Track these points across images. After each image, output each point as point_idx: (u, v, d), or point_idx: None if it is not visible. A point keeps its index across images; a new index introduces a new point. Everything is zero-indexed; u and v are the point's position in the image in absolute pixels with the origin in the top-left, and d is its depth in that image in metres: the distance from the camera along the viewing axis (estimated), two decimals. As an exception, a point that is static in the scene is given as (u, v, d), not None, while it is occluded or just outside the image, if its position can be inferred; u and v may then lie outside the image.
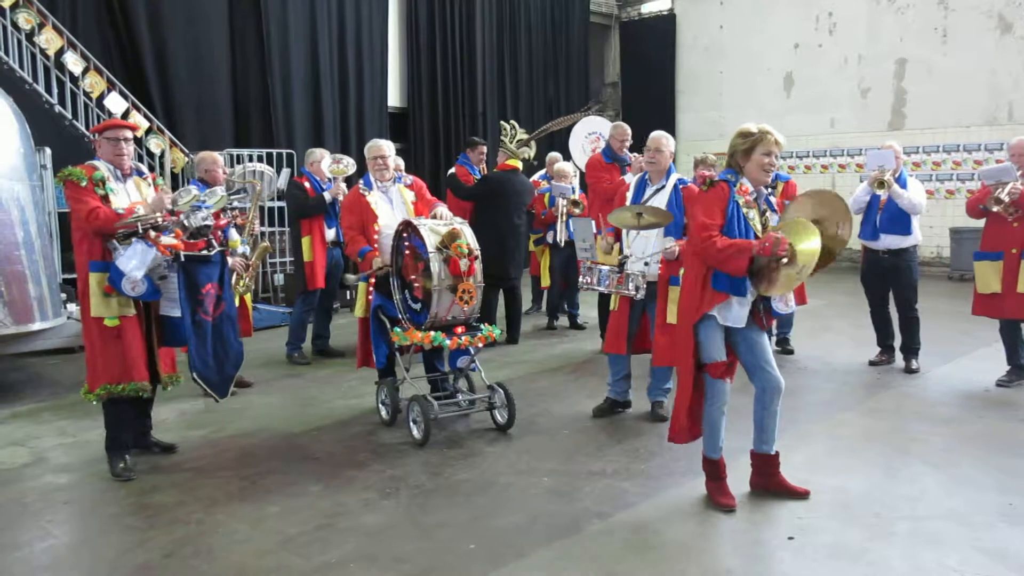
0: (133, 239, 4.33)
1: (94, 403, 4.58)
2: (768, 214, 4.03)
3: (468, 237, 5.08)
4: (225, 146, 10.38)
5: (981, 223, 6.29)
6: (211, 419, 5.62)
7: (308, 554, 3.61)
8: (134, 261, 4.28)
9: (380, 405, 5.55)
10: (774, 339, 7.02)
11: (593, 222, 5.88)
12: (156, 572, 3.49)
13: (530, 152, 7.79)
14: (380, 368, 5.58)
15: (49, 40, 8.99)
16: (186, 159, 9.82)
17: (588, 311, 8.41)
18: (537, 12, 15.15)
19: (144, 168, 4.91)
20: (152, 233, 4.38)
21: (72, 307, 6.84)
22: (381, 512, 4.04)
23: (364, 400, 5.98)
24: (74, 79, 9.21)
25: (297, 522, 3.94)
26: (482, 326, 5.23)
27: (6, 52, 8.72)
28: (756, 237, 3.87)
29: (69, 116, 9.14)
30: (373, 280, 5.49)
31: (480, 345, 5.18)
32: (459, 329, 5.11)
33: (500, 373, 6.52)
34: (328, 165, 7.18)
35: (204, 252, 4.59)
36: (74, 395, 4.70)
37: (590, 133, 9.35)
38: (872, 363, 6.84)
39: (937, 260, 13.05)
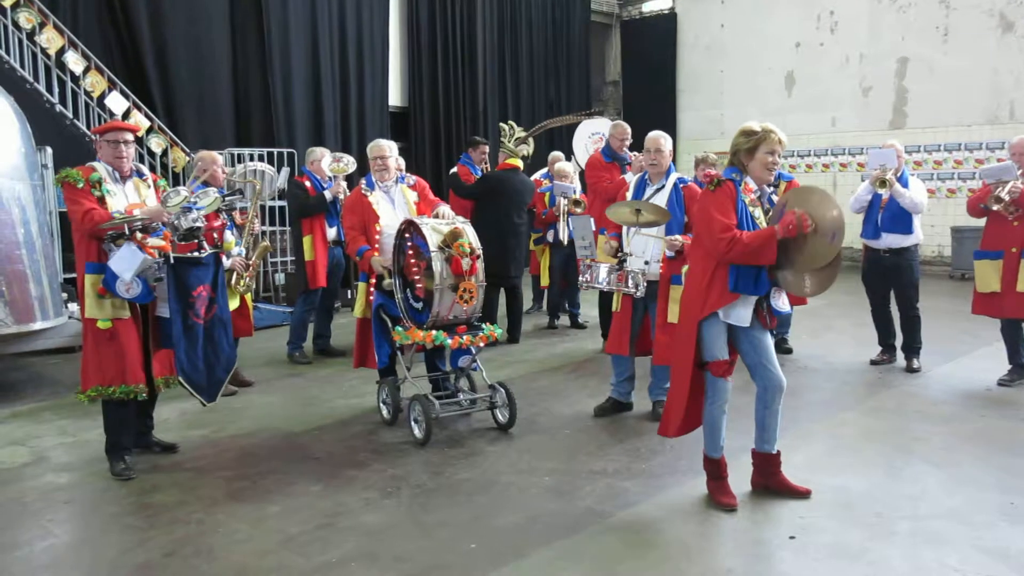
0: (124, 241, 4.33)
1: (86, 403, 4.57)
2: (772, 211, 4.03)
3: (470, 236, 5.07)
4: (226, 145, 10.39)
5: (982, 222, 6.29)
6: (212, 419, 5.62)
7: (309, 553, 3.61)
8: (124, 263, 4.27)
9: (381, 404, 5.55)
10: (772, 340, 7.01)
11: (592, 220, 5.88)
12: (157, 571, 3.49)
13: (528, 150, 7.79)
14: (381, 367, 5.58)
15: (50, 39, 8.99)
16: (187, 158, 9.82)
17: (589, 310, 8.40)
18: (538, 11, 15.15)
19: (145, 169, 4.90)
20: (139, 235, 4.36)
21: (73, 307, 6.85)
22: (382, 511, 4.04)
23: (365, 399, 5.97)
24: (75, 78, 9.22)
25: (298, 521, 3.93)
26: (483, 325, 5.23)
27: (7, 51, 8.73)
28: None
29: (70, 116, 9.15)
30: (374, 280, 5.49)
31: (481, 344, 5.18)
32: (461, 328, 5.11)
33: (501, 372, 6.52)
34: (329, 164, 7.18)
35: (194, 254, 4.56)
36: (74, 395, 4.70)
37: (593, 133, 9.35)
38: (873, 362, 6.84)
39: (938, 259, 13.04)
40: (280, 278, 10.19)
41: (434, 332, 5.01)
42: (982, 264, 6.19)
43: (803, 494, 4.10)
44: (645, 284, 5.10)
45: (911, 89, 13.39)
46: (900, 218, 6.40)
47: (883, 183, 6.30)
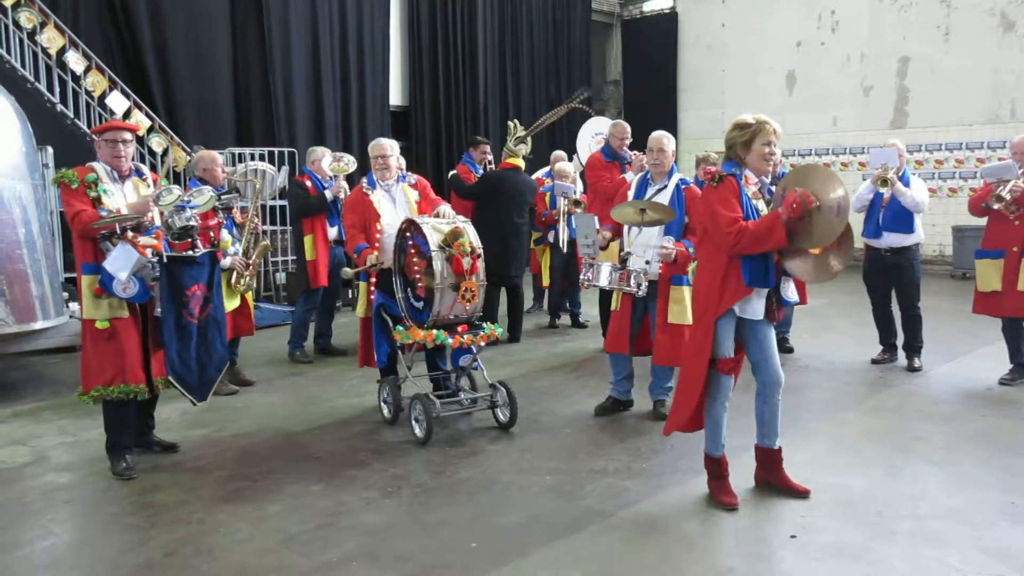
0: (118, 241, 4.32)
1: (89, 404, 4.58)
2: (773, 199, 4.03)
3: (471, 235, 5.07)
4: (227, 144, 10.40)
5: (983, 221, 6.29)
6: (213, 418, 5.62)
7: (309, 553, 3.61)
8: (118, 263, 4.27)
9: (382, 404, 5.55)
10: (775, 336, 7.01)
11: (596, 218, 5.87)
12: (157, 571, 3.49)
13: (526, 149, 7.78)
14: (382, 367, 5.59)
15: (51, 39, 9.00)
16: (188, 158, 9.82)
17: (590, 309, 8.40)
18: (539, 10, 15.14)
19: (145, 169, 4.90)
20: (130, 233, 4.35)
21: (74, 306, 6.85)
22: (383, 511, 4.04)
23: (366, 399, 5.97)
24: (76, 78, 9.23)
25: (298, 521, 3.93)
26: (484, 325, 5.23)
27: (8, 51, 8.73)
28: None
29: (71, 115, 9.15)
30: (374, 279, 5.49)
31: (482, 344, 5.17)
32: (461, 328, 5.11)
33: (502, 372, 6.52)
34: (329, 163, 7.18)
35: (188, 253, 4.55)
36: (75, 394, 4.70)
37: (596, 134, 9.33)
38: (874, 361, 6.83)
39: (939, 258, 13.04)
40: (281, 277, 10.19)
41: (435, 331, 5.01)
42: (983, 263, 6.19)
43: (802, 493, 4.10)
44: (647, 283, 5.09)
45: (912, 88, 13.38)
46: (901, 217, 6.40)
47: (884, 182, 6.30)
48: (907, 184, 6.38)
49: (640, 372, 5.64)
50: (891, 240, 6.49)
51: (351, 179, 7.45)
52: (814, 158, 14.40)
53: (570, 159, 9.15)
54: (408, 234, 5.21)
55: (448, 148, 13.48)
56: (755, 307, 3.96)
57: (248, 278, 6.12)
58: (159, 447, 4.94)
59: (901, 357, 6.77)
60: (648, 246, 5.19)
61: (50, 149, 7.96)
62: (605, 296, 6.38)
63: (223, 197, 5.76)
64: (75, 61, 9.18)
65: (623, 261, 5.14)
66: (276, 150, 10.34)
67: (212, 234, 5.58)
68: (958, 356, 7.02)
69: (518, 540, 3.70)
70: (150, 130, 9.68)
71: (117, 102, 9.39)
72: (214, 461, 4.80)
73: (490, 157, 8.52)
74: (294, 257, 9.04)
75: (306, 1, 11.68)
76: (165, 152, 9.77)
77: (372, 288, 5.53)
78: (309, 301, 7.39)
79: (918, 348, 6.66)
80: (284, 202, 9.61)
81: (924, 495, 4.14)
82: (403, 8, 13.18)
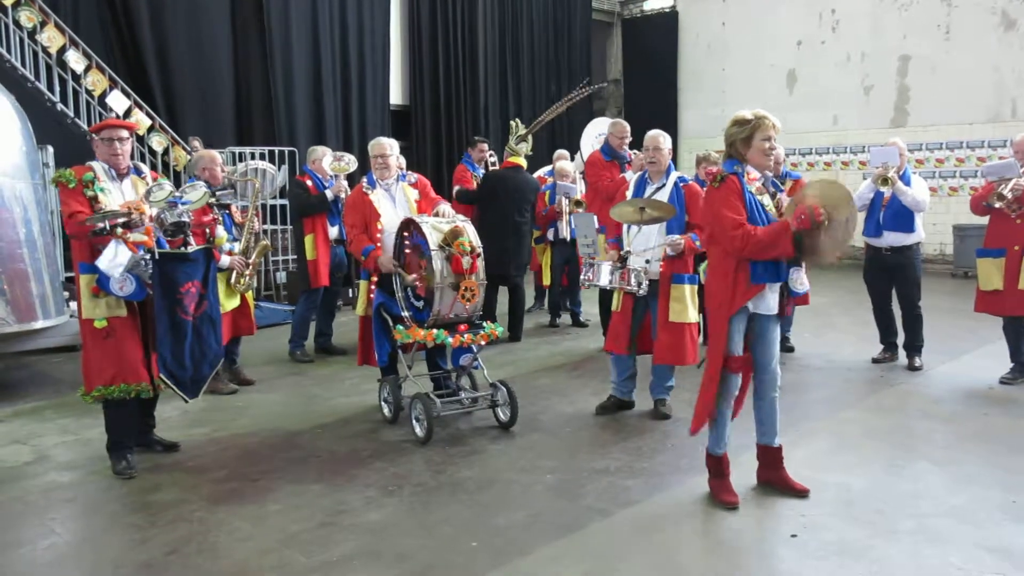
0: (111, 239, 4.32)
1: (91, 404, 4.57)
2: (779, 196, 4.03)
3: (470, 235, 5.07)
4: (227, 144, 10.39)
5: (984, 220, 6.28)
6: (213, 417, 5.62)
7: (310, 552, 3.61)
8: (110, 260, 4.26)
9: (382, 403, 5.55)
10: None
11: (595, 218, 5.87)
12: (158, 570, 3.49)
13: (527, 147, 7.78)
14: (382, 366, 5.58)
15: (51, 38, 9.00)
16: (188, 157, 9.82)
17: (590, 308, 8.40)
18: (539, 9, 15.13)
19: (144, 167, 4.90)
20: (120, 230, 4.34)
21: (75, 305, 6.85)
22: (383, 510, 4.04)
23: (366, 398, 5.97)
24: (76, 77, 9.22)
25: (299, 520, 3.93)
26: (484, 324, 5.22)
27: (8, 50, 8.73)
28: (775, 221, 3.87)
29: (71, 114, 9.15)
30: (375, 278, 5.49)
31: (482, 343, 5.17)
32: (462, 327, 5.11)
33: (502, 371, 6.52)
34: (330, 163, 7.18)
35: (181, 250, 4.53)
36: (76, 393, 4.70)
37: (600, 134, 9.33)
38: (875, 360, 6.83)
39: (940, 257, 13.03)
40: (281, 276, 10.19)
41: (435, 331, 5.01)
42: (984, 262, 6.19)
43: (802, 492, 4.09)
44: (647, 282, 5.09)
45: (913, 87, 13.38)
46: (902, 216, 6.40)
47: (885, 181, 6.30)
48: (908, 183, 6.37)
49: (641, 371, 5.64)
50: (892, 239, 6.49)
51: (352, 178, 7.45)
52: (814, 157, 14.41)
53: (573, 158, 9.15)
54: (407, 233, 5.21)
55: (448, 147, 13.48)
56: (769, 302, 3.97)
57: (248, 278, 6.12)
58: (160, 446, 4.94)
59: (902, 356, 6.77)
60: (648, 245, 5.19)
61: (50, 148, 7.96)
62: (605, 295, 6.39)
63: (217, 193, 5.75)
64: (75, 60, 9.18)
65: (623, 260, 5.14)
66: (276, 149, 10.34)
67: (208, 231, 5.57)
68: (959, 355, 7.02)
69: (519, 539, 3.70)
70: (150, 129, 9.68)
71: (117, 101, 9.39)
72: (215, 460, 4.80)
73: (490, 157, 8.51)
74: (294, 256, 9.04)
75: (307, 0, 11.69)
76: (166, 151, 9.77)
77: (372, 287, 5.52)
78: (310, 300, 7.39)
79: (919, 347, 6.66)
80: (284, 201, 9.61)
81: (925, 494, 4.14)
82: (403, 7, 13.17)
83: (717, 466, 4.11)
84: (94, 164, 4.55)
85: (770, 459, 4.19)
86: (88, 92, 9.29)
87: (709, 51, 15.74)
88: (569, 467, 4.58)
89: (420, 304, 5.17)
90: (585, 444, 4.98)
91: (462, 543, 3.67)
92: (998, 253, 6.08)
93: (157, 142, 9.69)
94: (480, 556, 3.56)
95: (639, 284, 5.05)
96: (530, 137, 7.84)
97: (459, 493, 4.23)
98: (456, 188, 8.08)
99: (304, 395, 6.22)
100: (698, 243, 5.13)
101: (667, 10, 16.35)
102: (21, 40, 8.87)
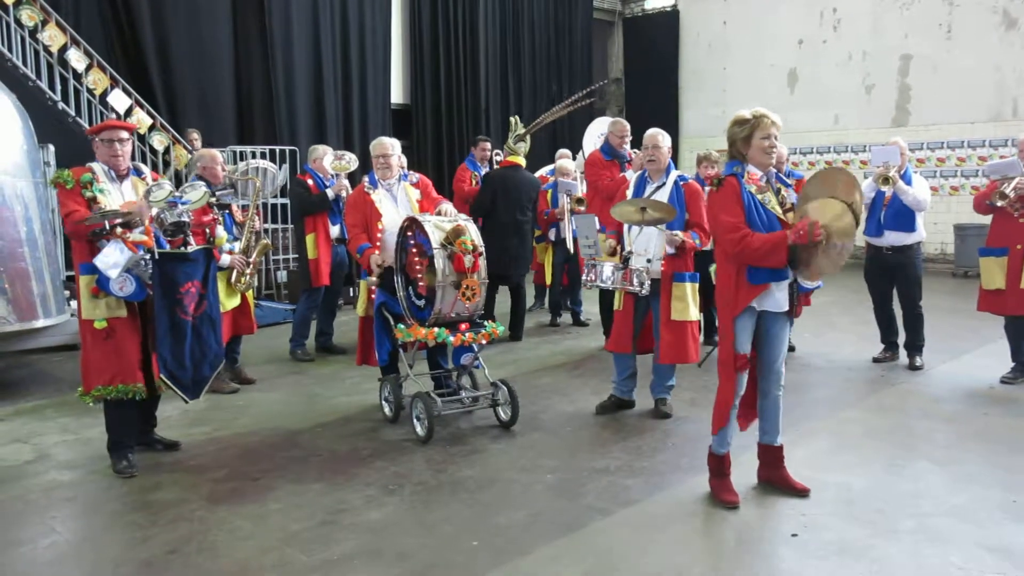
0: (112, 239, 4.32)
1: (90, 404, 4.58)
2: (784, 192, 4.01)
3: (472, 233, 5.07)
4: (228, 143, 10.39)
5: (985, 219, 6.29)
6: (214, 416, 5.62)
7: (311, 550, 3.61)
8: (109, 260, 4.25)
9: (383, 402, 5.55)
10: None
11: (596, 218, 5.86)
12: (159, 568, 3.49)
13: (526, 146, 7.77)
14: (383, 365, 5.59)
15: (52, 37, 8.99)
16: (189, 156, 9.83)
17: (591, 307, 8.40)
18: (540, 8, 15.13)
19: (144, 168, 4.89)
20: (118, 230, 4.34)
21: (75, 304, 6.85)
22: (384, 508, 4.04)
23: (367, 397, 5.98)
24: (77, 76, 9.22)
25: (300, 518, 3.94)
26: (486, 323, 5.22)
27: (9, 49, 8.73)
28: (779, 220, 3.86)
29: (72, 113, 9.15)
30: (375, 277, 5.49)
31: (483, 342, 5.17)
32: (463, 326, 5.11)
33: (503, 370, 6.52)
34: (331, 162, 7.18)
35: (181, 249, 4.53)
36: (76, 393, 4.71)
37: (602, 134, 9.33)
38: (876, 360, 6.83)
39: (941, 257, 13.03)
40: (282, 275, 10.19)
41: (436, 329, 5.01)
42: (987, 261, 6.18)
43: (803, 492, 4.09)
44: (649, 282, 5.09)
45: (914, 86, 13.37)
46: (903, 215, 6.39)
47: (886, 180, 6.29)
48: (909, 182, 6.37)
49: (642, 371, 5.64)
50: (893, 238, 6.49)
51: (353, 177, 7.45)
52: (815, 156, 14.40)
53: (574, 158, 9.14)
54: (410, 233, 5.21)
55: (450, 147, 13.48)
56: (777, 299, 3.96)
57: (248, 277, 6.12)
58: (160, 445, 4.95)
59: (902, 355, 6.77)
60: (649, 245, 5.18)
61: (51, 147, 7.96)
62: (606, 295, 6.39)
63: (218, 193, 5.74)
64: (76, 59, 9.17)
65: (625, 260, 5.14)
66: (277, 148, 10.34)
67: (208, 231, 5.57)
68: (960, 355, 7.02)
69: (519, 538, 3.70)
70: (151, 128, 9.68)
71: (118, 100, 9.39)
72: (215, 459, 4.80)
73: (496, 156, 8.50)
74: (295, 255, 9.04)
75: (307, -1, 11.70)
76: (167, 150, 9.77)
77: (373, 287, 5.52)
78: (311, 300, 7.39)
79: (919, 346, 6.66)
80: (285, 200, 9.61)
81: (926, 493, 4.14)
82: (404, 6, 13.16)
83: (719, 465, 4.11)
84: (94, 165, 4.55)
85: (771, 458, 4.19)
86: (89, 91, 9.29)
87: (710, 50, 15.74)
88: (570, 466, 4.58)
89: (421, 303, 5.17)
90: (586, 443, 4.98)
91: (463, 542, 3.68)
92: (1001, 252, 6.08)
93: (158, 141, 9.69)
94: (481, 555, 3.56)
95: (641, 284, 5.05)
96: (528, 137, 7.83)
97: (460, 492, 4.24)
98: (469, 205, 8.03)
99: (305, 394, 6.23)
100: (697, 242, 5.14)
101: (668, 9, 16.35)
102: (22, 39, 8.86)
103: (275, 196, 9.26)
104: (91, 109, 9.31)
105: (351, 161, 7.17)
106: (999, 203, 5.96)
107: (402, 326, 5.21)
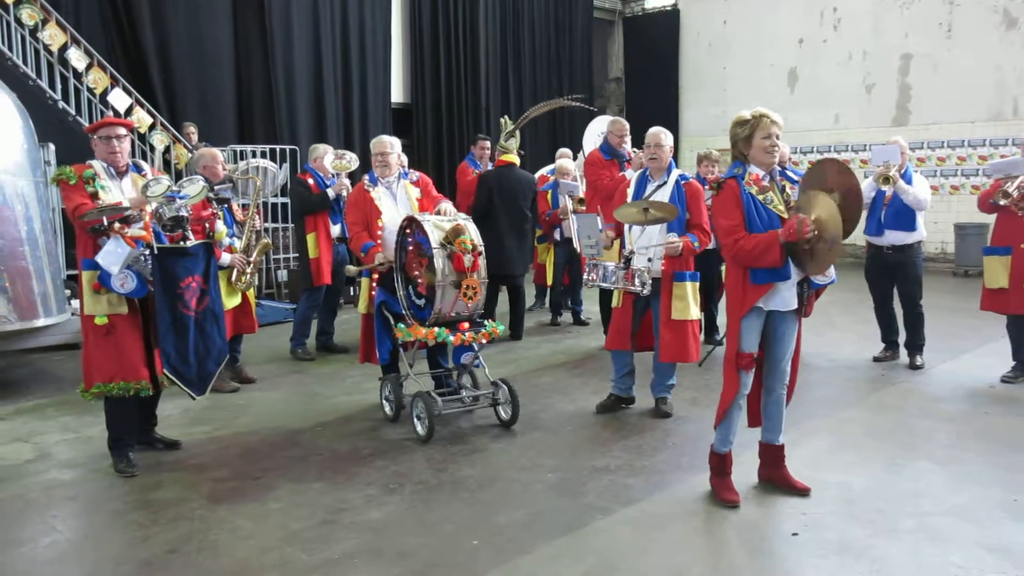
0: (112, 235, 4.31)
1: (91, 401, 4.57)
2: (789, 189, 4.00)
3: (472, 233, 5.07)
4: (229, 142, 10.39)
5: (986, 219, 6.29)
6: (214, 415, 5.62)
7: (311, 549, 3.61)
8: (110, 256, 4.25)
9: (384, 401, 5.55)
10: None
11: (598, 218, 5.86)
12: (159, 568, 3.49)
13: (516, 143, 7.76)
14: (383, 364, 5.58)
15: (52, 36, 9.00)
16: (189, 155, 9.83)
17: (591, 306, 8.40)
18: (540, 7, 15.13)
19: (144, 165, 4.89)
20: (117, 225, 4.34)
21: (76, 303, 6.85)
22: (385, 508, 4.05)
23: (368, 396, 5.98)
24: (77, 75, 9.22)
25: (300, 518, 3.94)
26: (486, 322, 5.22)
27: (9, 48, 8.73)
28: (780, 219, 3.86)
29: (73, 112, 9.15)
30: (376, 276, 5.49)
31: (484, 341, 5.17)
32: (463, 325, 5.11)
33: (504, 369, 6.52)
34: (331, 161, 7.18)
35: (180, 244, 4.52)
36: (77, 391, 4.71)
37: (602, 133, 9.33)
38: (876, 359, 6.83)
39: (941, 256, 13.02)
40: (282, 275, 10.19)
41: (436, 329, 5.01)
42: (991, 260, 6.18)
43: (803, 491, 4.10)
44: (651, 282, 5.09)
45: (914, 86, 13.36)
46: (903, 215, 6.39)
47: (887, 180, 6.29)
48: (909, 182, 6.37)
49: (642, 369, 5.64)
50: (893, 238, 6.49)
51: (353, 177, 7.45)
52: (816, 156, 14.38)
53: (575, 158, 9.13)
54: (408, 231, 5.21)
55: (450, 145, 13.48)
56: (784, 298, 3.94)
57: (249, 276, 6.12)
58: (161, 444, 4.95)
59: (903, 355, 6.76)
60: (650, 244, 5.18)
61: (52, 146, 7.97)
62: (606, 294, 6.39)
63: (216, 187, 5.74)
64: (77, 58, 9.18)
65: (627, 260, 5.13)
66: (278, 147, 10.34)
67: (207, 225, 5.57)
68: (960, 354, 7.02)
69: (520, 537, 3.71)
70: (152, 127, 9.68)
71: (119, 99, 9.40)
72: (216, 458, 4.80)
73: (491, 153, 8.51)
74: (296, 255, 9.04)
75: (308, -3, 11.70)
76: (167, 149, 9.77)
77: (374, 285, 5.52)
78: (312, 299, 7.39)
79: (920, 346, 6.66)
80: (286, 199, 9.60)
81: (926, 493, 4.14)
82: (405, 5, 13.17)
83: (720, 464, 4.11)
84: (94, 163, 4.55)
85: (772, 457, 4.20)
86: (89, 90, 9.30)
87: (710, 50, 15.73)
88: (570, 465, 4.58)
89: (421, 302, 5.17)
90: (586, 442, 4.98)
91: (463, 541, 3.68)
92: (1004, 251, 6.08)
93: (159, 140, 9.69)
94: (481, 554, 3.56)
95: (643, 284, 5.05)
96: (518, 133, 7.81)
97: (460, 491, 4.24)
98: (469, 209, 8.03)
99: (305, 393, 6.23)
100: (696, 244, 5.13)
101: (668, 8, 16.34)
102: (23, 38, 8.87)
103: (275, 195, 9.26)
104: (91, 108, 9.32)
105: (352, 160, 7.17)
106: (1002, 202, 5.96)
107: (402, 325, 5.21)
